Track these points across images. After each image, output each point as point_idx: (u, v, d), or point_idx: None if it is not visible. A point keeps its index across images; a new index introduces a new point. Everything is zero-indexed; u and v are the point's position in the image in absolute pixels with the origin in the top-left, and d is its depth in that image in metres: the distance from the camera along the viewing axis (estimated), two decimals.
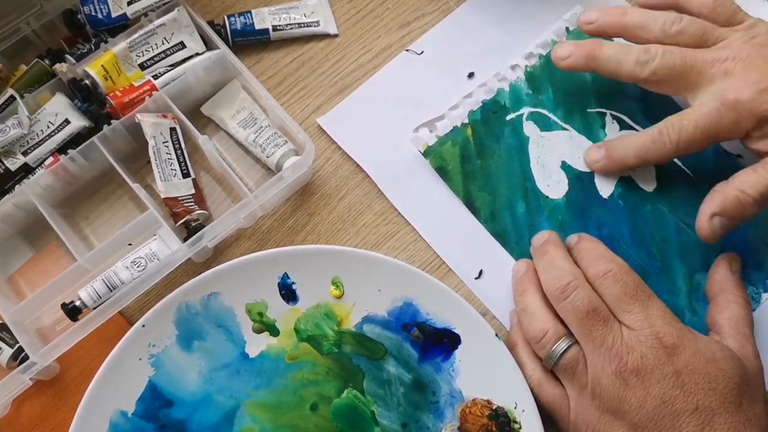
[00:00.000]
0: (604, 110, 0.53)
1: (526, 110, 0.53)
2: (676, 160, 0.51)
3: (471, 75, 0.54)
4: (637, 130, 0.52)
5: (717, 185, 0.45)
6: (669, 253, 0.49)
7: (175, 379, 0.45)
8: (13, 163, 0.48)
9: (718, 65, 0.45)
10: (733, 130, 0.44)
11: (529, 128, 0.52)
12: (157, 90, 0.49)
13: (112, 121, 0.49)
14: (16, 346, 0.45)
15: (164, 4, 0.51)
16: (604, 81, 0.53)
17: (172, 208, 0.48)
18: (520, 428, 0.44)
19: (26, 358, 0.44)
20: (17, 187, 0.48)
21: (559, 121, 0.52)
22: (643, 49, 0.46)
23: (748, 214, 0.44)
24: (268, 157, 0.50)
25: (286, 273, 0.46)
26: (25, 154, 0.48)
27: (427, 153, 0.51)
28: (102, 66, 0.49)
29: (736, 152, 0.51)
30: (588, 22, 0.49)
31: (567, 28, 0.54)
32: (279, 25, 0.54)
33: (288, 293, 0.46)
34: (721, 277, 0.46)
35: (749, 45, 0.45)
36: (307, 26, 0.55)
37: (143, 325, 0.44)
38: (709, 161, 0.51)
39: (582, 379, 0.41)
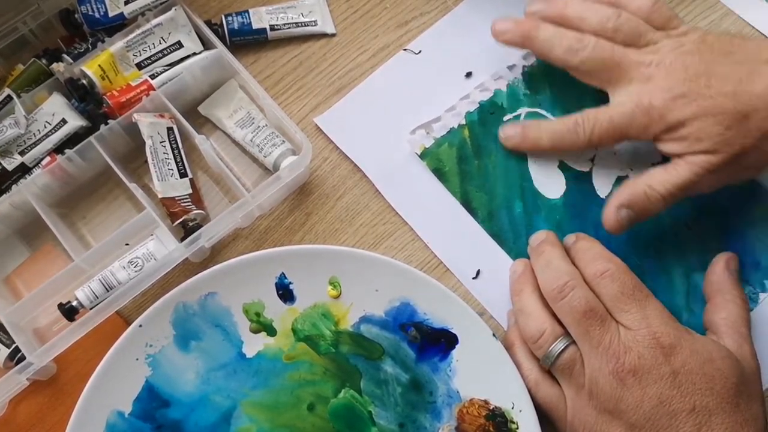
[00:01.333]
0: None
1: (523, 111, 0.52)
2: None
3: (469, 75, 0.54)
4: None
5: (629, 179, 0.47)
6: (666, 253, 0.49)
7: (172, 379, 0.45)
8: (10, 163, 0.48)
9: (642, 68, 0.46)
10: (643, 132, 0.46)
11: None
12: (154, 89, 0.49)
13: (109, 121, 0.49)
14: (13, 347, 0.45)
15: (161, 4, 0.51)
16: None
17: (169, 208, 0.48)
18: (518, 428, 0.44)
19: (23, 358, 0.43)
20: (14, 186, 0.48)
21: None
22: (576, 38, 0.48)
23: (654, 209, 0.45)
24: (265, 156, 0.50)
25: (283, 273, 0.46)
26: (22, 153, 0.48)
27: (424, 155, 0.51)
28: (99, 65, 0.49)
29: None
30: (532, 12, 0.51)
31: None
32: (276, 25, 0.54)
33: (285, 293, 0.46)
34: (719, 276, 0.46)
35: (674, 52, 0.46)
36: (305, 26, 0.54)
37: (140, 325, 0.44)
38: None
39: (579, 379, 0.41)
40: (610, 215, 0.46)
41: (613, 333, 0.41)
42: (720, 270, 0.46)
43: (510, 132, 0.51)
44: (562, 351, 0.42)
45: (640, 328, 0.40)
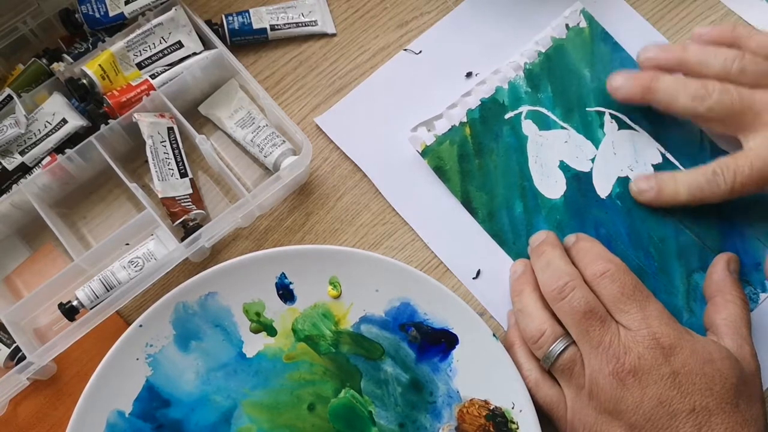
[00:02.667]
0: (602, 109, 0.52)
1: (524, 109, 0.52)
2: (673, 160, 0.51)
3: (469, 74, 0.54)
4: (635, 130, 0.52)
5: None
6: (667, 253, 0.49)
7: (173, 379, 0.45)
8: (11, 163, 0.48)
9: None
10: None
11: (528, 127, 0.52)
12: (154, 89, 0.49)
13: (109, 121, 0.49)
14: (13, 346, 0.45)
15: (162, 4, 0.51)
16: (602, 79, 0.52)
17: (170, 208, 0.48)
18: (518, 428, 0.44)
19: (23, 358, 0.43)
20: (14, 186, 0.47)
21: (557, 120, 0.52)
22: (700, 85, 0.47)
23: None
24: (265, 156, 0.50)
25: (283, 273, 0.46)
26: (22, 153, 0.48)
27: (425, 152, 0.51)
28: (99, 65, 0.49)
29: (732, 150, 0.51)
30: (648, 58, 0.50)
31: (567, 25, 0.54)
32: (277, 25, 0.54)
33: (285, 293, 0.46)
34: (719, 277, 0.46)
35: None
36: (305, 26, 0.54)
37: (140, 325, 0.44)
38: (706, 161, 0.51)
39: (579, 380, 0.41)
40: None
41: (613, 333, 0.41)
42: (720, 270, 0.46)
43: (644, 186, 0.49)
44: (562, 351, 0.42)
45: (640, 329, 0.40)
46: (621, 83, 0.50)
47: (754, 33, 0.48)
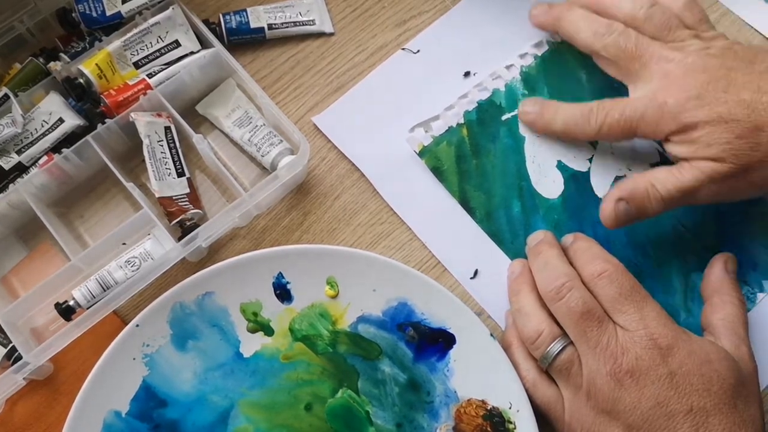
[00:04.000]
0: None
1: None
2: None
3: (467, 74, 0.54)
4: None
5: (633, 174, 0.47)
6: (664, 253, 0.49)
7: (170, 379, 0.45)
8: (7, 162, 0.48)
9: (662, 63, 0.46)
10: (653, 129, 0.45)
11: (525, 128, 0.52)
12: (151, 89, 0.49)
13: (106, 120, 0.49)
14: (10, 346, 0.45)
15: (159, 3, 0.51)
16: (599, 81, 0.52)
17: (167, 208, 0.48)
18: (515, 428, 0.44)
19: (19, 357, 0.43)
20: (11, 186, 0.47)
21: None
22: (605, 23, 0.48)
23: (651, 209, 0.45)
24: (263, 156, 0.50)
25: (280, 272, 0.46)
26: (19, 153, 0.48)
27: (423, 153, 0.51)
28: (96, 64, 0.49)
29: None
30: None
31: None
32: (274, 24, 0.54)
33: (283, 293, 0.46)
34: (717, 277, 0.46)
35: (698, 54, 0.45)
36: (303, 25, 0.54)
37: (137, 325, 0.44)
38: None
39: (577, 380, 0.41)
40: (608, 207, 0.45)
41: (610, 334, 0.41)
42: (718, 270, 0.46)
43: (528, 107, 0.51)
44: (560, 352, 0.42)
45: (638, 329, 0.40)
46: (539, 11, 0.52)
47: None
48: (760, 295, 0.48)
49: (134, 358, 0.44)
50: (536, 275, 0.45)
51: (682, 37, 0.47)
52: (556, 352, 0.42)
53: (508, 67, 0.53)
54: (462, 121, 0.52)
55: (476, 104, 0.52)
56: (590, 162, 0.51)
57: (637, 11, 0.47)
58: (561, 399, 0.43)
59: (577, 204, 0.50)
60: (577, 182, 0.51)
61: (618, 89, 0.52)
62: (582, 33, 0.48)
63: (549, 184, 0.51)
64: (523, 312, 0.44)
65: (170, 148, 0.49)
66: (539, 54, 0.53)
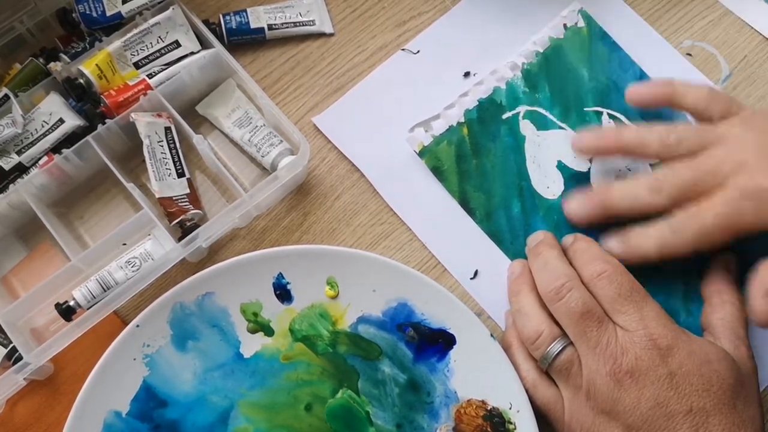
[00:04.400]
0: (600, 109, 0.52)
1: (522, 109, 0.52)
2: None
3: (467, 74, 0.54)
4: None
5: (765, 261, 0.42)
6: None
7: (170, 379, 0.45)
8: (8, 163, 0.48)
9: (729, 161, 0.43)
10: (757, 219, 0.42)
11: (526, 127, 0.52)
12: (151, 89, 0.49)
13: (106, 121, 0.49)
14: (10, 346, 0.45)
15: (159, 3, 0.51)
16: (600, 79, 0.52)
17: (167, 208, 0.48)
18: (515, 429, 0.44)
19: (20, 358, 0.43)
20: (11, 186, 0.47)
21: (555, 120, 0.52)
22: (651, 177, 0.45)
23: None
24: (263, 156, 0.50)
25: (281, 273, 0.46)
26: (19, 153, 0.48)
27: (423, 153, 0.51)
28: (96, 65, 0.49)
29: None
30: (586, 148, 0.48)
31: (565, 25, 0.54)
32: (274, 24, 0.54)
33: (283, 293, 0.46)
34: (717, 277, 0.46)
35: (752, 134, 0.44)
36: (303, 25, 0.54)
37: (137, 325, 0.44)
38: None
39: (577, 380, 0.41)
40: (759, 304, 0.41)
41: (610, 334, 0.41)
42: (718, 271, 0.46)
43: (612, 245, 0.46)
44: (560, 352, 0.42)
45: (637, 330, 0.40)
46: (575, 207, 0.48)
47: (689, 88, 0.47)
48: None
49: (134, 359, 0.44)
50: (536, 276, 0.45)
51: (723, 132, 0.45)
52: (556, 353, 0.42)
53: (509, 65, 0.53)
54: (462, 119, 0.52)
55: (477, 102, 0.52)
56: (590, 162, 0.51)
57: (667, 140, 0.45)
58: (561, 399, 0.43)
59: None
60: (577, 182, 0.51)
61: (619, 86, 0.53)
62: (640, 198, 0.45)
63: (549, 184, 0.51)
64: (523, 312, 0.44)
65: (170, 149, 0.49)
66: (540, 51, 0.53)
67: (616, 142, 0.48)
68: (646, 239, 0.45)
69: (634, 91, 0.50)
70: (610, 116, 0.52)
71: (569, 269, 0.44)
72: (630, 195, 0.46)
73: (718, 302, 0.45)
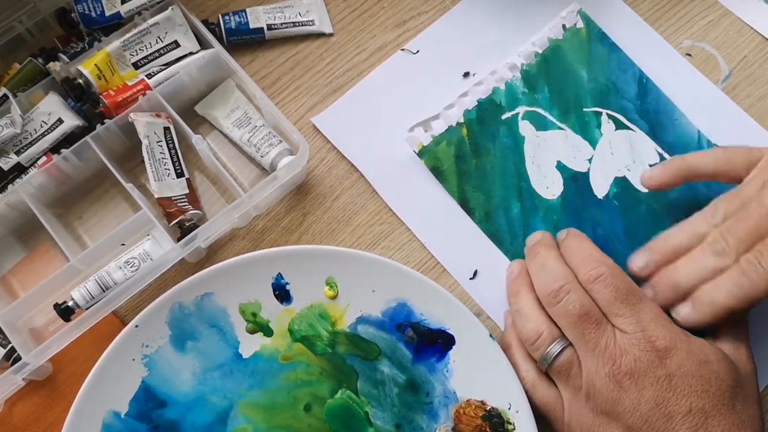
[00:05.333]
0: (599, 109, 0.52)
1: (521, 109, 0.52)
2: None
3: (467, 74, 0.54)
4: (633, 130, 0.52)
5: None
6: None
7: (169, 379, 0.45)
8: (6, 163, 0.48)
9: None
10: None
11: (525, 127, 0.52)
12: (150, 89, 0.49)
13: (105, 121, 0.48)
14: (9, 347, 0.45)
15: (158, 3, 0.51)
16: (600, 80, 0.52)
17: (166, 208, 0.48)
18: (514, 429, 0.44)
19: (19, 358, 0.43)
20: (10, 186, 0.47)
21: (554, 121, 0.52)
22: (711, 241, 0.43)
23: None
24: (262, 156, 0.49)
25: (280, 273, 0.46)
26: (18, 153, 0.48)
27: (422, 153, 0.51)
28: (95, 65, 0.49)
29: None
30: (643, 268, 0.45)
31: (564, 26, 0.54)
32: (274, 24, 0.54)
33: (282, 293, 0.46)
34: None
35: None
36: (302, 25, 0.54)
37: (136, 326, 0.44)
38: None
39: (576, 381, 0.41)
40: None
41: (609, 336, 0.41)
42: None
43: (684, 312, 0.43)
44: (559, 353, 0.42)
45: (635, 332, 0.40)
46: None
47: (702, 155, 0.46)
48: None
49: (133, 359, 0.44)
50: (534, 277, 0.45)
51: (755, 179, 0.43)
52: (556, 354, 0.42)
53: (508, 66, 0.53)
54: (462, 120, 0.52)
55: (476, 102, 0.52)
56: (590, 162, 0.51)
57: (714, 219, 0.43)
58: (560, 400, 0.43)
59: (577, 204, 0.50)
60: (576, 183, 0.51)
61: (618, 87, 0.53)
62: (707, 267, 0.42)
63: (548, 185, 0.51)
64: (522, 313, 0.44)
65: (169, 149, 0.49)
66: (540, 52, 0.53)
67: (669, 249, 0.44)
68: (717, 292, 0.42)
69: (649, 177, 0.48)
70: (609, 117, 0.52)
71: (566, 271, 0.43)
72: (696, 269, 0.43)
73: None
